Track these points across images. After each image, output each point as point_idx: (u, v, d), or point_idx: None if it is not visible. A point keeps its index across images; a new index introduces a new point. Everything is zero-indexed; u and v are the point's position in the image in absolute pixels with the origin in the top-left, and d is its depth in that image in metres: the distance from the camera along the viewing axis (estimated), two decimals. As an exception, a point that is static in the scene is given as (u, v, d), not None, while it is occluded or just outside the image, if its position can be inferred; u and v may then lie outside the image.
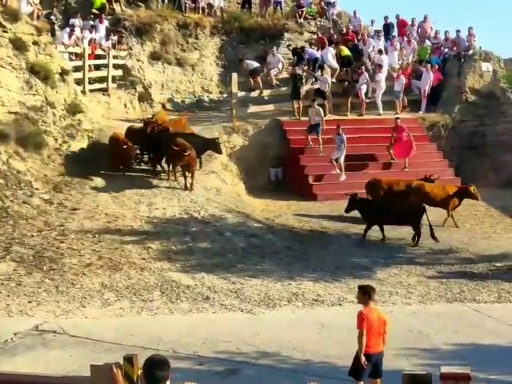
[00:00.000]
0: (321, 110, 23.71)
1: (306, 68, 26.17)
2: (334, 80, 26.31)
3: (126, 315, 13.08)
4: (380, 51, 27.25)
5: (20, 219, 17.04)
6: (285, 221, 19.77)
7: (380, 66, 26.38)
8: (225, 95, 27.27)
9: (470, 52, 28.17)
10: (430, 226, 18.14)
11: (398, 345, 11.33)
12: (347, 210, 19.16)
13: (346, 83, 26.31)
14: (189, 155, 19.29)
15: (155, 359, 5.82)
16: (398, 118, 24.17)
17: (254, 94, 25.63)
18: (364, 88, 26.03)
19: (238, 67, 26.35)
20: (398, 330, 12.22)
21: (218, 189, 20.25)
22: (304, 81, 25.46)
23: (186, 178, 19.79)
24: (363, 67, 26.37)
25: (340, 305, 13.94)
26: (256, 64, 26.02)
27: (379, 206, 18.95)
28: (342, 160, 22.61)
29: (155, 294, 14.10)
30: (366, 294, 9.39)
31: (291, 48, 27.82)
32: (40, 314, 12.92)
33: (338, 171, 22.62)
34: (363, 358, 9.15)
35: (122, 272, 15.08)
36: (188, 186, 19.62)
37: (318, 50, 27.01)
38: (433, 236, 18.04)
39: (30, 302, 13.49)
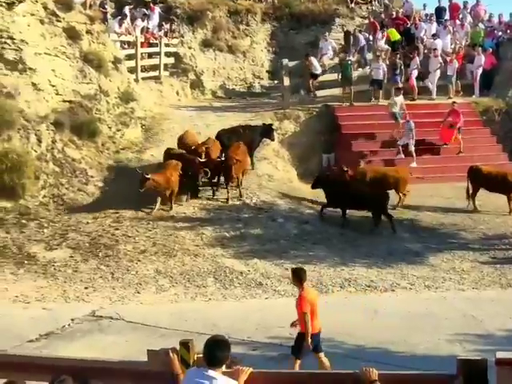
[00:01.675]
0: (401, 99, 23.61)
1: (356, 53, 26.13)
2: (387, 62, 26.13)
3: (180, 301, 13.30)
4: (434, 35, 27.00)
5: (76, 206, 17.39)
6: (337, 207, 19.76)
7: (434, 50, 26.10)
8: (276, 81, 27.30)
9: (525, 35, 27.70)
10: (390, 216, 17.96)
11: (451, 330, 11.33)
12: (313, 187, 19.05)
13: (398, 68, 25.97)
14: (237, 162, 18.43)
15: (217, 339, 5.89)
16: (454, 102, 23.90)
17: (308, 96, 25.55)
18: (415, 73, 25.79)
19: (290, 53, 26.35)
20: (451, 315, 12.25)
21: (269, 175, 20.33)
22: (354, 66, 25.36)
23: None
24: (416, 52, 26.16)
25: (393, 290, 13.95)
26: (320, 70, 25.66)
27: (340, 188, 18.39)
28: (412, 148, 22.48)
29: (209, 280, 14.30)
30: (299, 278, 9.81)
31: (344, 30, 27.66)
32: (96, 300, 13.21)
33: (403, 156, 22.52)
34: (309, 340, 9.56)
35: (175, 258, 15.30)
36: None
37: (369, 35, 26.91)
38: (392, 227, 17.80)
39: (86, 288, 13.80)
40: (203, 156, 18.45)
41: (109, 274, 14.45)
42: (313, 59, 25.31)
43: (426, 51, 26.81)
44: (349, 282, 14.30)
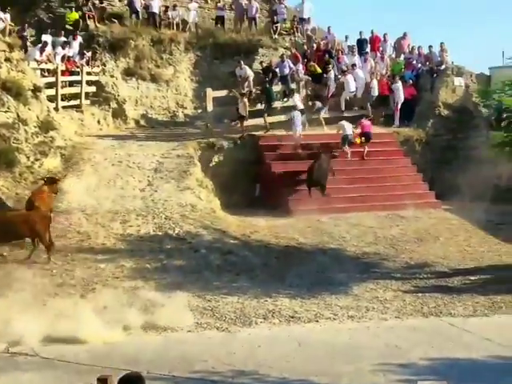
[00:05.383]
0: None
1: (279, 83, 26.40)
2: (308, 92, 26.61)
3: (99, 335, 12.88)
4: (353, 65, 27.59)
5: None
6: (261, 237, 19.63)
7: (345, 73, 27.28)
8: (199, 111, 27.20)
9: (443, 67, 28.38)
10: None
11: (374, 360, 11.30)
12: None
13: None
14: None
15: (131, 376, 5.66)
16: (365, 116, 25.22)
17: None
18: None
19: (214, 82, 26.33)
20: (374, 345, 12.23)
21: (193, 205, 20.10)
22: (277, 96, 25.57)
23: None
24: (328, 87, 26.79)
25: (316, 321, 13.87)
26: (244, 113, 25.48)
27: None
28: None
29: (129, 313, 13.91)
30: None
31: (263, 66, 27.83)
32: (10, 335, 12.68)
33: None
34: None
35: (95, 291, 14.90)
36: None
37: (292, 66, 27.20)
38: None
39: None
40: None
41: (25, 307, 13.93)
42: (245, 100, 25.24)
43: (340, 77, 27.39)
44: (272, 314, 14.15)
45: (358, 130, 24.73)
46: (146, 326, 13.34)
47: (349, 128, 24.35)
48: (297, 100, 25.17)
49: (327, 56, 28.31)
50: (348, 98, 27.16)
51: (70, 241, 17.19)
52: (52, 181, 18.36)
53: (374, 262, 18.07)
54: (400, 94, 27.09)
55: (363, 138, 24.56)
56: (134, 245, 17.43)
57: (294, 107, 24.90)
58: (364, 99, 27.16)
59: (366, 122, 25.03)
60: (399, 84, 27.20)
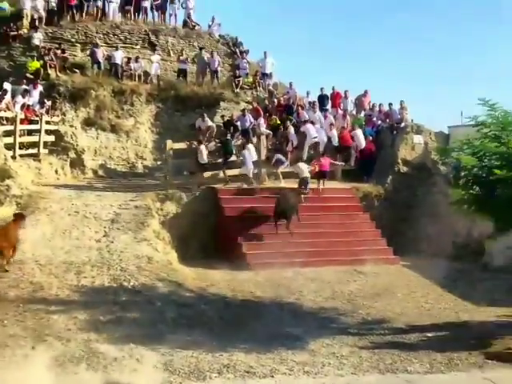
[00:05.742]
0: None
1: (240, 137, 26.52)
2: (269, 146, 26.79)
3: (48, 389, 12.51)
4: (306, 121, 27.98)
5: None
6: (217, 290, 19.43)
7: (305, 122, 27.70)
8: (159, 162, 27.12)
9: (403, 124, 28.78)
10: None
11: (329, 418, 11.09)
12: None
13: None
14: None
15: None
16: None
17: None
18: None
19: (175, 134, 26.34)
20: (329, 402, 12.03)
21: (149, 257, 19.86)
22: (235, 148, 25.72)
23: None
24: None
25: (272, 376, 13.62)
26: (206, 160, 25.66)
27: None
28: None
29: (81, 366, 13.57)
30: None
31: (224, 119, 27.95)
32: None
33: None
34: None
35: (46, 344, 14.52)
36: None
37: (254, 119, 27.39)
38: None
39: None
40: None
41: (-28, 360, 13.52)
42: (202, 147, 25.26)
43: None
44: (227, 368, 13.87)
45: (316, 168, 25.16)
46: (96, 380, 12.99)
47: (305, 170, 24.54)
48: (251, 149, 25.31)
49: (286, 113, 28.54)
50: (310, 145, 27.34)
51: (23, 291, 16.80)
52: (20, 216, 18.68)
53: (331, 317, 17.93)
54: (360, 140, 27.46)
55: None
56: (88, 296, 17.08)
57: (243, 146, 25.07)
58: (325, 149, 27.28)
59: (323, 160, 25.36)
60: (358, 131, 27.63)
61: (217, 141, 26.33)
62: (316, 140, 27.34)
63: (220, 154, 25.66)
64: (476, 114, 16.27)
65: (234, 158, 25.65)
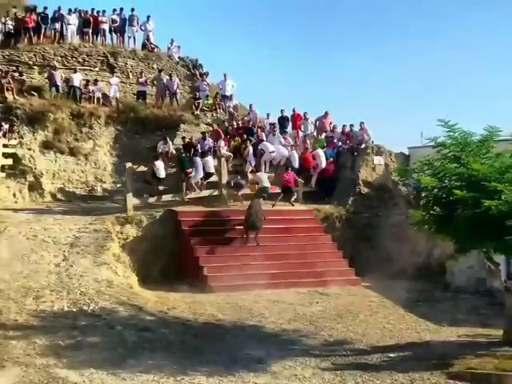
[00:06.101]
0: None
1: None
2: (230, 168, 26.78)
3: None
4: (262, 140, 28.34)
5: None
6: (178, 313, 19.24)
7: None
8: (119, 185, 26.90)
9: (363, 146, 28.95)
10: None
11: None
12: None
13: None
14: None
15: None
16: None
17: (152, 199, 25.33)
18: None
19: (134, 157, 26.16)
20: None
21: (109, 281, 19.62)
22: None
23: None
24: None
25: (232, 400, 13.49)
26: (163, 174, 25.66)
27: None
28: None
29: (39, 393, 13.30)
30: None
31: (185, 141, 27.89)
32: None
33: None
34: None
35: (4, 369, 14.20)
36: None
37: (213, 142, 27.39)
38: None
39: None
40: None
41: None
42: (158, 163, 25.18)
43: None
44: (189, 392, 13.72)
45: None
46: (55, 406, 12.74)
47: (266, 180, 24.55)
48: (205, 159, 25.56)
49: (246, 135, 28.57)
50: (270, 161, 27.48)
51: (-20, 316, 16.47)
52: None
53: (293, 339, 17.83)
54: (322, 159, 27.57)
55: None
56: (47, 321, 16.77)
57: (195, 154, 25.31)
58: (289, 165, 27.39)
59: (287, 175, 25.54)
60: (320, 150, 27.76)
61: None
62: (274, 155, 27.37)
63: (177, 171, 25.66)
64: (436, 135, 16.41)
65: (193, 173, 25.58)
